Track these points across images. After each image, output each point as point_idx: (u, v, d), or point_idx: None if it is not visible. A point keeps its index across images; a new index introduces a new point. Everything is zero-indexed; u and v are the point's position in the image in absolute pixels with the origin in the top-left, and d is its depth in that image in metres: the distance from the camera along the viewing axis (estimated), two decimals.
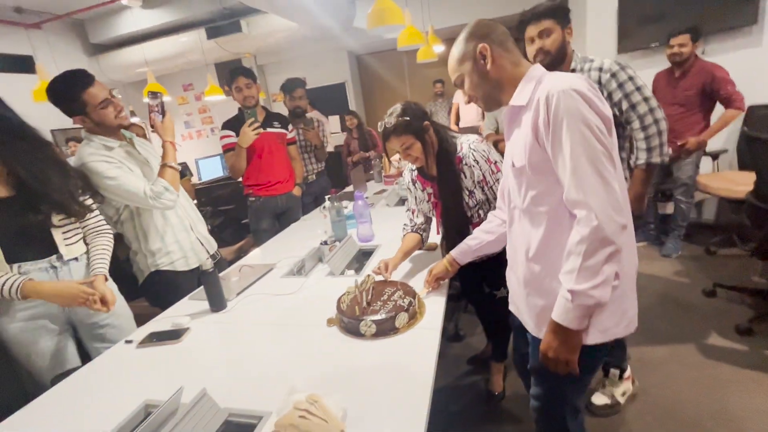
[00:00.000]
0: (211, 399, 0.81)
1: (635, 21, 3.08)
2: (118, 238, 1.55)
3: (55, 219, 1.23)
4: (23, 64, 4.71)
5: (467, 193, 1.40)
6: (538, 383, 1.04)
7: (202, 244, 1.67)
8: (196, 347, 1.15)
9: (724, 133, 2.79)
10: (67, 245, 1.26)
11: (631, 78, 1.42)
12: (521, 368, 1.21)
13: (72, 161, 1.43)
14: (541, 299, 0.92)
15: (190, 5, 4.97)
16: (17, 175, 1.16)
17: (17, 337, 1.20)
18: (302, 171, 2.63)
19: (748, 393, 1.56)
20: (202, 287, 1.42)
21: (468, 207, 1.43)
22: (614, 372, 1.58)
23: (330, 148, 3.59)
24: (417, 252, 1.61)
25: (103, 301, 1.19)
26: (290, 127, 2.44)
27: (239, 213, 3.76)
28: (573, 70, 1.48)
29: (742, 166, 2.80)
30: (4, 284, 1.10)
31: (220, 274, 1.42)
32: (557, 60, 1.46)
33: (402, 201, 2.57)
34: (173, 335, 1.20)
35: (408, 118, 1.34)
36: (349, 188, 3.17)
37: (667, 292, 2.34)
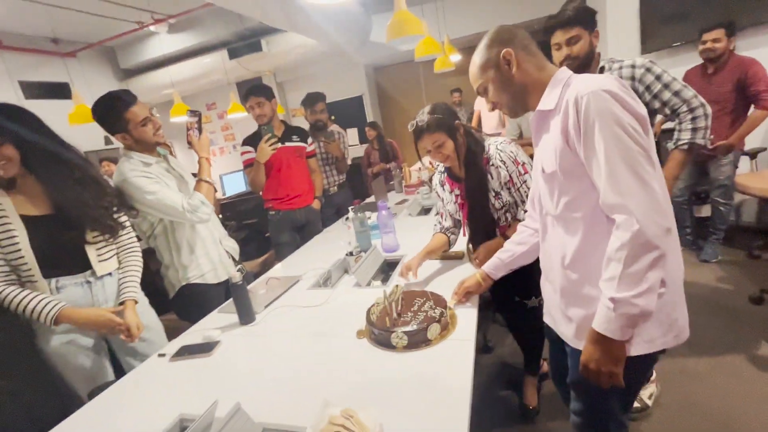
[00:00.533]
0: (246, 413, 0.80)
1: (658, 20, 3.01)
2: (149, 253, 1.59)
3: (89, 236, 1.27)
4: (60, 91, 5.00)
5: (493, 194, 1.39)
6: (579, 398, 0.98)
7: (231, 257, 1.70)
8: (228, 360, 1.15)
9: (763, 130, 2.66)
10: (100, 261, 1.30)
11: (664, 71, 1.41)
12: (559, 381, 1.16)
13: (112, 177, 1.50)
14: (581, 309, 0.88)
15: (212, 28, 5.18)
16: (53, 195, 1.21)
17: (55, 352, 1.24)
18: (322, 183, 2.65)
19: None
20: (230, 300, 1.44)
21: (494, 209, 1.41)
22: None
23: (348, 161, 3.62)
24: (446, 261, 1.59)
25: (129, 332, 1.25)
26: (310, 140, 2.47)
27: (263, 227, 3.82)
28: (602, 69, 1.45)
29: None
30: (41, 311, 1.14)
31: (248, 287, 1.43)
32: (584, 64, 1.45)
33: (425, 210, 2.55)
34: (204, 348, 1.21)
35: (440, 116, 1.35)
36: (371, 199, 3.17)
37: (710, 299, 2.21)
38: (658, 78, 1.41)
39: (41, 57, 4.86)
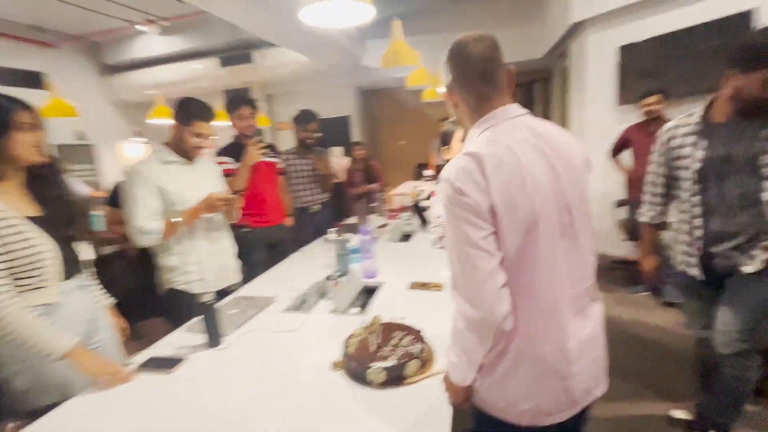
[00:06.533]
0: None
1: (633, 76, 3.24)
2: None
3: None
4: (32, 80, 4.78)
5: None
6: None
7: (227, 273, 1.73)
8: (189, 382, 1.08)
9: None
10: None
11: None
12: None
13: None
14: None
15: (207, 34, 5.14)
16: (38, 194, 1.13)
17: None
18: (290, 202, 2.63)
19: None
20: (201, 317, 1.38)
21: None
22: None
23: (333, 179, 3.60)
24: (424, 292, 1.57)
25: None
26: (282, 157, 2.51)
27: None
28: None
29: None
30: (52, 349, 1.00)
31: (218, 305, 1.36)
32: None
33: (405, 236, 2.54)
34: (167, 364, 1.13)
35: None
36: (351, 220, 3.14)
37: (676, 345, 2.28)
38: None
39: (20, 44, 4.66)
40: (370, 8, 1.47)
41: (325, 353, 1.16)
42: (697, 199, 1.38)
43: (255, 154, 2.01)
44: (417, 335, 1.13)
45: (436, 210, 1.52)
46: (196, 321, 1.42)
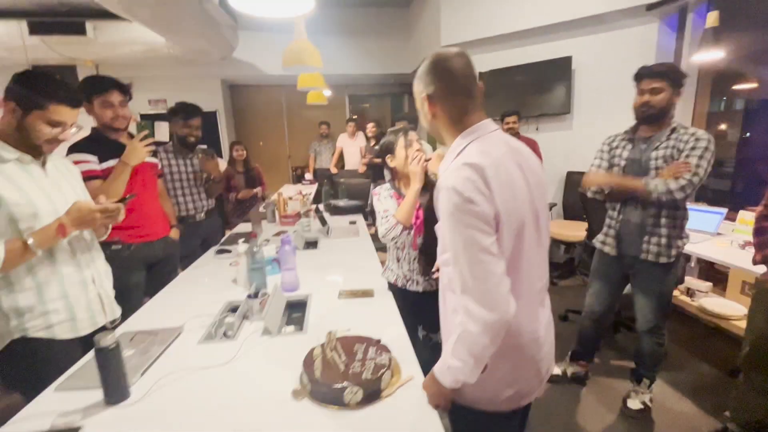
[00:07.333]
0: None
1: (492, 98, 3.89)
2: None
3: None
4: None
5: None
6: None
7: (103, 305, 1.26)
8: None
9: (551, 190, 3.68)
10: None
11: (709, 151, 1.58)
12: None
13: None
14: None
15: None
16: None
17: None
18: (173, 210, 2.22)
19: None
20: (78, 367, 1.05)
21: None
22: (645, 381, 1.91)
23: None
24: (354, 300, 1.54)
25: None
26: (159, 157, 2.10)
27: None
28: (674, 130, 1.67)
29: (567, 216, 3.70)
30: None
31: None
32: (658, 116, 1.66)
33: (308, 244, 2.43)
34: None
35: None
36: (238, 228, 2.83)
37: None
38: (700, 152, 1.58)
39: None
40: None
41: (276, 383, 1.02)
42: None
43: (141, 152, 1.61)
44: (379, 345, 1.10)
45: (381, 206, 1.59)
46: (70, 377, 1.07)
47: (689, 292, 2.66)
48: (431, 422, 0.87)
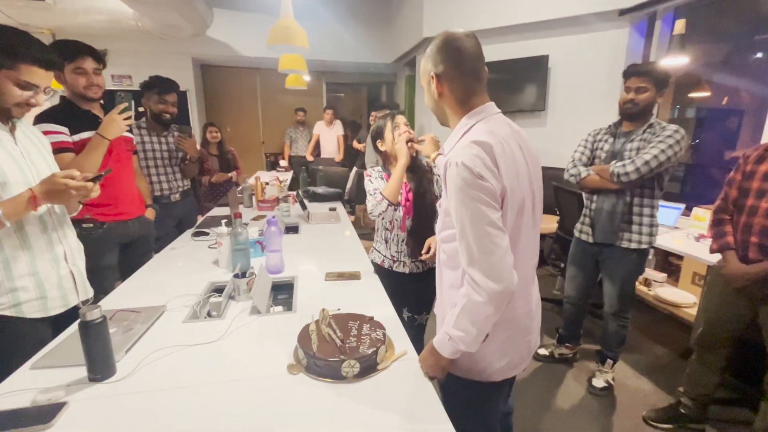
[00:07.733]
0: None
1: None
2: None
3: None
4: None
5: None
6: None
7: (75, 283, 1.17)
8: None
9: None
10: None
11: (677, 143, 1.66)
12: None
13: None
14: None
15: None
16: None
17: None
18: (148, 189, 2.13)
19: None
20: (54, 345, 1.02)
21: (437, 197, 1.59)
22: (609, 362, 2.04)
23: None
24: (342, 282, 1.55)
25: None
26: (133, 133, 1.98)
27: None
28: (650, 125, 1.76)
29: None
30: None
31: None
32: (641, 113, 1.76)
33: (288, 229, 2.40)
34: (40, 417, 0.77)
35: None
36: (214, 212, 2.74)
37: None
38: (662, 138, 1.68)
39: None
40: None
41: (269, 359, 1.02)
42: None
43: (120, 125, 1.51)
44: (372, 321, 1.12)
45: (371, 185, 1.62)
46: (46, 356, 1.02)
47: (647, 282, 2.86)
48: (427, 392, 0.90)
